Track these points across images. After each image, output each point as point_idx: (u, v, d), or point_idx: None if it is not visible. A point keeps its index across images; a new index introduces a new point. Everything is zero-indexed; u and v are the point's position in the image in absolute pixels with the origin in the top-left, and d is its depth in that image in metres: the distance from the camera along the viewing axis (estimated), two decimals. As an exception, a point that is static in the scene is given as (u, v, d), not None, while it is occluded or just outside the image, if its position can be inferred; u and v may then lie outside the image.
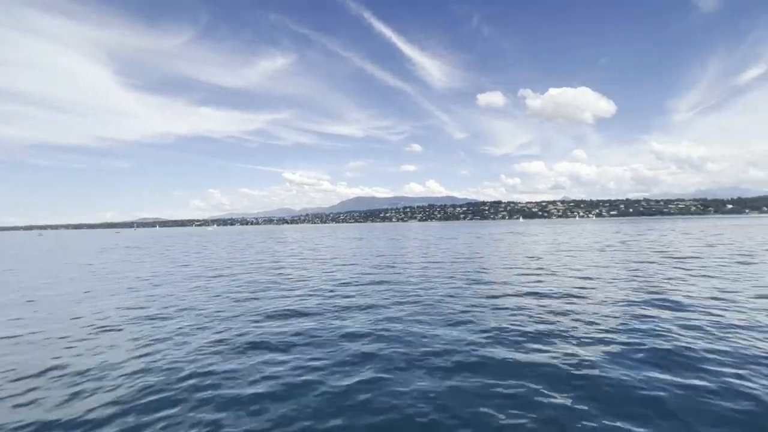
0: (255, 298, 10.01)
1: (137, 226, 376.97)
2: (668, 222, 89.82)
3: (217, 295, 10.51)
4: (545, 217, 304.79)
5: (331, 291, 10.82)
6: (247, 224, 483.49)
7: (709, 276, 11.74)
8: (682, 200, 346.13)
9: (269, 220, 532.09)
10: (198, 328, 7.26)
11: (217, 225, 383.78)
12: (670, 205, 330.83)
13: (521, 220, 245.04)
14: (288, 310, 8.60)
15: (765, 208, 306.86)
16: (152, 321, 7.94)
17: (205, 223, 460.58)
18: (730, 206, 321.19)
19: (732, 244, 23.27)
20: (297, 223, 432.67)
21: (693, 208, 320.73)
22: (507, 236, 40.41)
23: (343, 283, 12.05)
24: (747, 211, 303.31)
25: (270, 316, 8.08)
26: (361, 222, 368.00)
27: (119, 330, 7.35)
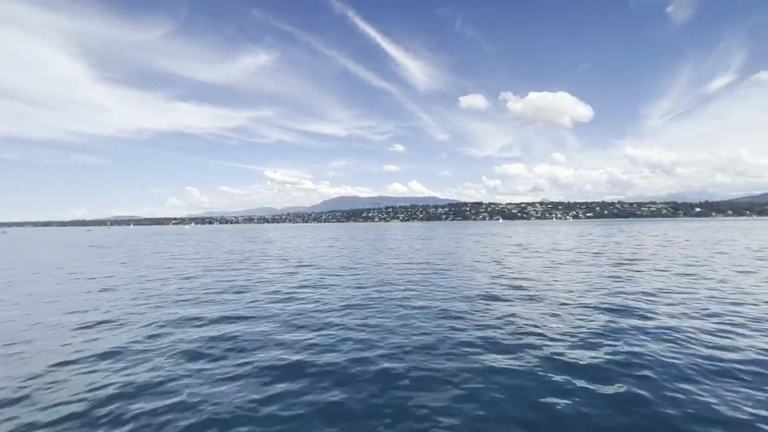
0: (196, 303, 9.57)
1: (111, 224, 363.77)
2: (638, 224, 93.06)
3: (151, 298, 10.01)
4: (524, 219, 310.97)
5: (283, 294, 10.48)
6: (226, 223, 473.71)
7: (645, 276, 12.05)
8: (654, 203, 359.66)
9: (250, 219, 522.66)
10: (116, 331, 6.83)
11: (195, 224, 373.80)
12: (642, 208, 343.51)
13: (501, 221, 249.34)
14: (223, 316, 8.21)
15: (729, 212, 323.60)
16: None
17: (182, 221, 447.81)
18: (698, 209, 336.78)
19: (684, 248, 24.11)
20: (278, 222, 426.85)
21: (664, 211, 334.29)
22: (483, 237, 40.83)
23: (301, 286, 11.71)
24: (713, 214, 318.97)
25: (199, 322, 7.68)
26: (343, 222, 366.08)
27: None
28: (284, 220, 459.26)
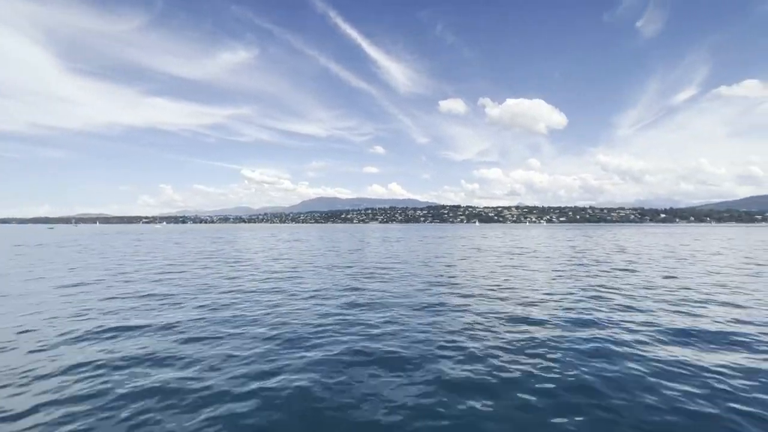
0: (116, 311, 8.98)
1: (77, 222, 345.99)
2: (605, 229, 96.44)
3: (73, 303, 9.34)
4: (501, 222, 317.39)
5: (211, 300, 10.01)
6: (200, 223, 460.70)
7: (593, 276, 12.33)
8: (623, 209, 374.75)
9: (225, 219, 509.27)
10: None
11: (167, 223, 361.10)
12: (612, 213, 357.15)
13: (477, 224, 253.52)
14: (125, 326, 7.72)
15: (692, 218, 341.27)
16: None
17: (153, 220, 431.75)
18: (663, 215, 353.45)
19: (638, 252, 24.99)
20: (255, 222, 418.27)
21: (632, 217, 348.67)
22: (451, 240, 41.14)
23: (230, 291, 11.24)
24: (677, 220, 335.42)
25: (96, 332, 7.16)
26: (321, 222, 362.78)
27: None
28: (261, 220, 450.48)
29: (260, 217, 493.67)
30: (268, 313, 8.19)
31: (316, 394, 4.47)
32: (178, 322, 7.47)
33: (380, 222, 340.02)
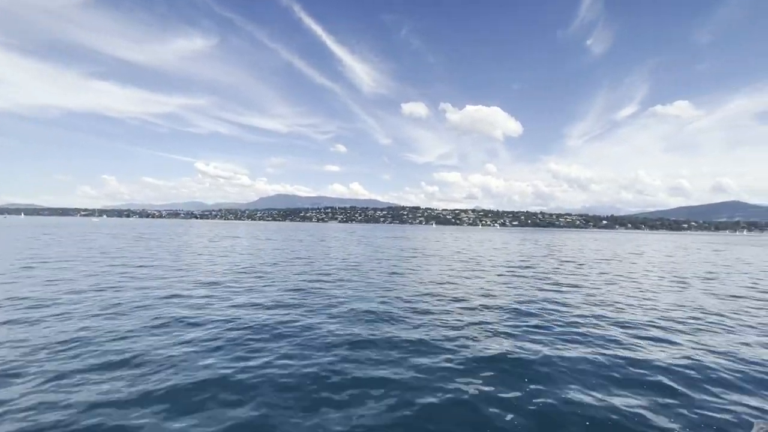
0: None
1: (3, 213, 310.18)
2: (549, 233, 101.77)
3: None
4: (458, 224, 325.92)
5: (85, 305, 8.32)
6: (147, 217, 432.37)
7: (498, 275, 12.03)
8: (570, 215, 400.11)
9: (175, 214, 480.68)
10: None
11: (108, 216, 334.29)
12: (560, 219, 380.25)
13: (434, 225, 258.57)
14: None
15: (629, 225, 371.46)
16: None
17: (91, 213, 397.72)
18: (605, 222, 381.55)
19: (567, 253, 25.76)
20: (208, 218, 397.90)
21: (577, 222, 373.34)
22: (394, 240, 40.68)
23: (100, 288, 9.57)
24: (617, 227, 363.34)
25: None
26: (279, 220, 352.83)
27: None
28: (215, 216, 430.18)
29: (213, 213, 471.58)
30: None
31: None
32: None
33: (340, 221, 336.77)
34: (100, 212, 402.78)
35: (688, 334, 7.11)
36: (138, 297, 9.04)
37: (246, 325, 6.93)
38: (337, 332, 6.68)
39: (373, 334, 6.58)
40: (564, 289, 11.80)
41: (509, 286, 12.17)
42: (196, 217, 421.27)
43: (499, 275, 14.57)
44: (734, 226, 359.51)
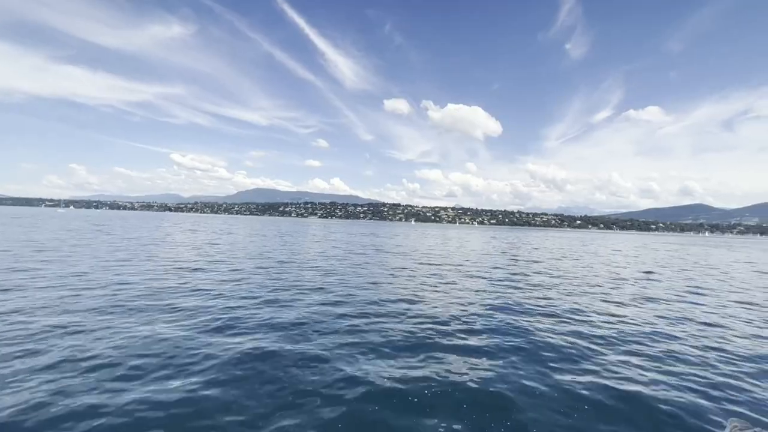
0: None
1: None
2: (524, 232, 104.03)
3: None
4: (437, 222, 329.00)
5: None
6: (118, 209, 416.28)
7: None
8: (546, 214, 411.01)
9: (148, 206, 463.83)
10: None
11: (75, 207, 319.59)
12: (536, 218, 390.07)
13: (413, 222, 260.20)
14: None
15: (602, 225, 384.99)
16: None
17: (57, 203, 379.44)
18: (578, 222, 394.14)
19: (531, 252, 26.23)
20: (183, 211, 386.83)
21: (553, 222, 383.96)
22: (363, 237, 40.51)
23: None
24: (590, 226, 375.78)
25: None
26: (257, 215, 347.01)
27: None
28: (190, 210, 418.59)
29: (189, 206, 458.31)
30: None
31: None
32: None
33: (320, 217, 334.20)
34: (67, 203, 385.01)
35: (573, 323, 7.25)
36: None
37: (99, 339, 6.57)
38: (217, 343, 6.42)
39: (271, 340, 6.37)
40: (493, 282, 11.92)
41: (442, 281, 12.19)
42: (171, 210, 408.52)
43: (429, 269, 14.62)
44: (698, 228, 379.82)
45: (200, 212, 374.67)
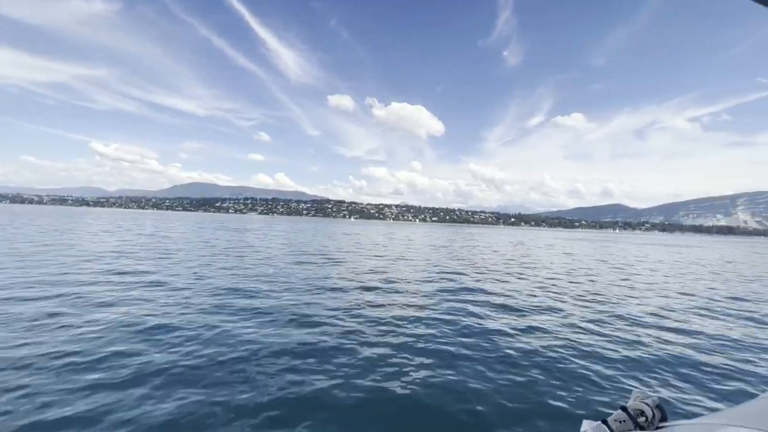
0: None
1: None
2: (460, 228, 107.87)
3: None
4: (381, 219, 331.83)
5: None
6: (23, 202, 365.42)
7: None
8: (484, 212, 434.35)
9: (62, 200, 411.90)
10: None
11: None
12: (475, 216, 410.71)
13: (353, 219, 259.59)
14: None
15: (533, 223, 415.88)
16: None
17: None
18: (513, 220, 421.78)
19: (460, 248, 26.23)
20: (103, 206, 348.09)
21: (490, 219, 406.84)
22: (286, 233, 38.40)
23: None
24: (523, 224, 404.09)
25: None
26: (191, 210, 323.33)
27: None
28: (114, 204, 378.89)
29: (112, 200, 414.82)
30: None
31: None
32: None
33: (260, 213, 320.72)
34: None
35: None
36: None
37: None
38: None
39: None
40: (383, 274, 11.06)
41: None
42: (89, 205, 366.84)
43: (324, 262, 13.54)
44: (614, 225, 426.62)
45: (125, 207, 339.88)
